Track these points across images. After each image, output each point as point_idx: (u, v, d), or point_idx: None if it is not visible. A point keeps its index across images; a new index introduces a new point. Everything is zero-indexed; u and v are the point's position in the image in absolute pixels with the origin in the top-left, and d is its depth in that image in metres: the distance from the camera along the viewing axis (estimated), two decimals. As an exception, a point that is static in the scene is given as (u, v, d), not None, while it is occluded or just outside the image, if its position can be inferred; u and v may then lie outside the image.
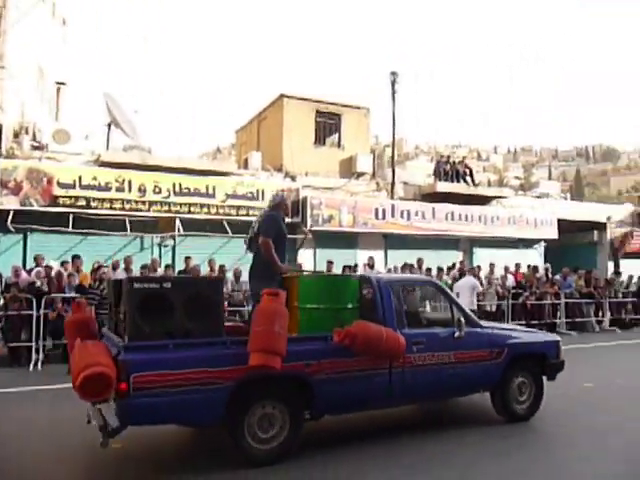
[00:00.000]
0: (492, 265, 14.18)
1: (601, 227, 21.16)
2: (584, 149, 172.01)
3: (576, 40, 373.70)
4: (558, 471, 4.48)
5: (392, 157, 17.72)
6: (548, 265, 16.45)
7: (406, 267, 12.99)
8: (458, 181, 17.69)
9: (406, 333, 5.09)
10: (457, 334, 5.46)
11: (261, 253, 5.36)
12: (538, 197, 20.51)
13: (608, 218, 21.22)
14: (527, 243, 18.32)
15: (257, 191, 14.19)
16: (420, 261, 13.67)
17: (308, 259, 14.56)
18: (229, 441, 4.45)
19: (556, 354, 6.12)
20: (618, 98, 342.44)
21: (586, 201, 36.92)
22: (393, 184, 16.93)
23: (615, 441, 5.20)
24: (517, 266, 15.29)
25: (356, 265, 13.57)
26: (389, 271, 13.47)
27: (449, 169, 17.58)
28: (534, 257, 18.19)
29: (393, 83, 17.13)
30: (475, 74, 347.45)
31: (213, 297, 4.61)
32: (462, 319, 5.56)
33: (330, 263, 12.48)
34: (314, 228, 14.56)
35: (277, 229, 5.47)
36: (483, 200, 18.06)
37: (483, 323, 6.08)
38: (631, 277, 16.91)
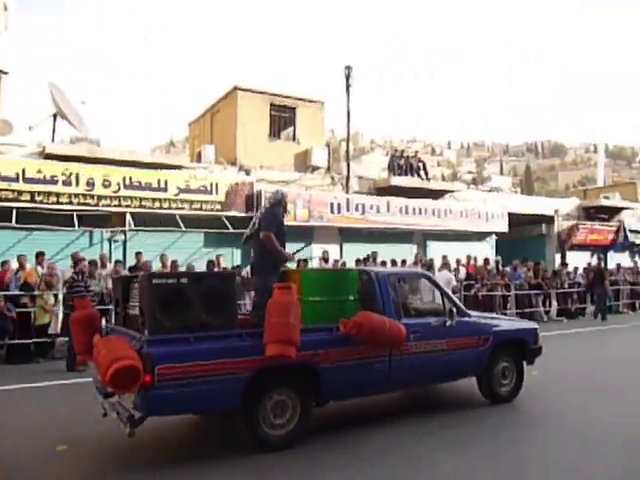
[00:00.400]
0: (445, 258, 14.43)
1: (549, 220, 21.87)
2: (534, 145, 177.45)
3: (534, 37, 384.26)
4: (542, 446, 4.84)
5: (347, 151, 17.76)
6: (499, 257, 16.90)
7: (360, 262, 13.07)
8: (412, 175, 17.91)
9: (404, 323, 5.37)
10: (448, 323, 5.84)
11: (261, 249, 5.62)
12: (489, 191, 21.05)
13: (556, 212, 21.95)
14: (479, 236, 18.75)
15: (211, 185, 13.96)
16: (374, 254, 13.78)
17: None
18: (235, 429, 4.82)
19: (534, 340, 6.59)
20: (565, 96, 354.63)
21: (535, 195, 38.09)
22: (348, 178, 17.00)
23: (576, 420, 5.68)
24: (469, 258, 15.64)
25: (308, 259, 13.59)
26: (343, 264, 13.53)
27: (403, 163, 17.78)
28: (486, 250, 18.63)
29: (347, 77, 17.15)
30: (432, 71, 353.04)
31: (227, 291, 4.84)
32: (453, 309, 5.95)
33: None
34: (269, 222, 14.42)
35: (278, 225, 5.71)
36: (436, 194, 18.36)
37: (470, 312, 6.41)
38: (576, 269, 17.54)
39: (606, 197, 25.41)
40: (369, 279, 5.65)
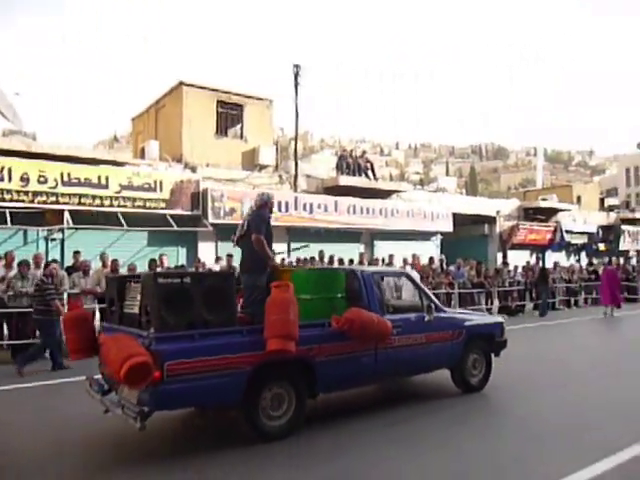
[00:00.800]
0: (391, 257, 14.59)
1: (491, 221, 22.55)
2: (478, 147, 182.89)
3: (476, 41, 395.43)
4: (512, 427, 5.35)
5: (295, 150, 17.69)
6: (443, 256, 17.25)
7: (307, 261, 13.03)
8: (360, 175, 18.03)
9: (387, 318, 5.69)
10: (427, 318, 6.21)
11: (249, 249, 5.81)
12: (435, 192, 21.47)
13: (497, 212, 22.65)
14: (424, 235, 19.09)
15: (154, 182, 13.56)
16: (321, 254, 13.78)
17: (209, 253, 14.18)
18: (231, 421, 5.12)
19: (501, 334, 7.07)
20: (508, 101, 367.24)
21: (479, 196, 39.19)
22: (296, 177, 16.94)
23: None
24: (415, 257, 15.86)
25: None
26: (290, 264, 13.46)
27: (351, 163, 17.87)
28: (431, 249, 18.98)
29: (296, 76, 17.07)
30: (383, 71, 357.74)
31: (227, 290, 5.00)
32: (431, 305, 6.34)
33: (230, 257, 12.22)
34: (215, 221, 14.17)
35: (266, 226, 5.92)
36: (384, 194, 18.57)
37: (445, 308, 6.92)
38: (516, 267, 18.13)
39: (544, 199, 26.46)
40: (355, 278, 5.93)
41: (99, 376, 5.41)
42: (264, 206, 6.07)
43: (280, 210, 15.26)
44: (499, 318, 7.79)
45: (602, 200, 37.47)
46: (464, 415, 5.73)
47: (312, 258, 13.36)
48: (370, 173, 18.38)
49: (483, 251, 21.96)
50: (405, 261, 15.09)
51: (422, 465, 4.31)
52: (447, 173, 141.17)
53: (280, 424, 4.96)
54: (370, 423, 5.42)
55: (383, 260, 14.92)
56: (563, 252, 25.06)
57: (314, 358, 5.17)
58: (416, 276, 11.89)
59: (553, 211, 25.09)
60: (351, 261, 14.32)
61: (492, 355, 6.90)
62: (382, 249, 17.45)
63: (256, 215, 5.96)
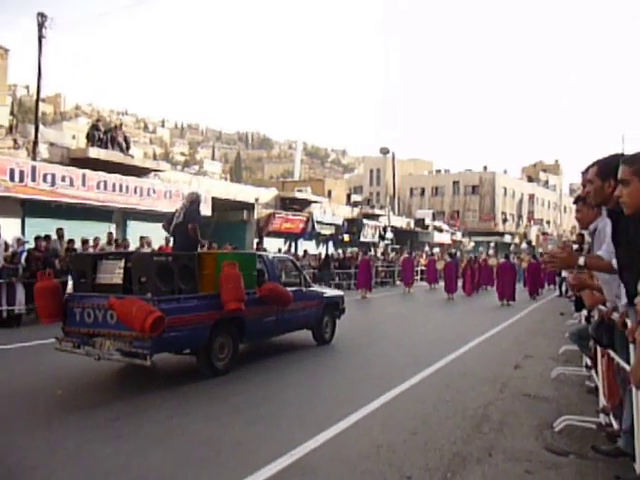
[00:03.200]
0: (143, 239, 13.74)
1: (250, 208, 23.05)
2: (245, 135, 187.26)
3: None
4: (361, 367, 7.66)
5: (36, 112, 15.42)
6: (202, 240, 16.90)
7: (40, 239, 11.39)
8: (114, 149, 16.54)
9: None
10: (304, 290, 8.50)
11: (184, 235, 7.35)
12: (195, 174, 21.00)
13: (256, 200, 23.26)
14: (182, 218, 18.50)
15: None
16: (60, 231, 12.26)
17: None
18: (190, 364, 6.72)
19: (342, 303, 9.58)
20: (273, 91, 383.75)
21: (244, 183, 39.89)
22: (36, 143, 14.76)
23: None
24: (167, 240, 15.18)
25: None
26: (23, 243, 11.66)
27: (104, 135, 16.26)
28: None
29: (41, 26, 14.81)
30: (157, 42, 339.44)
31: (192, 266, 6.59)
32: (306, 281, 8.81)
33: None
34: None
35: (200, 219, 7.72)
36: (140, 172, 17.41)
37: (312, 284, 9.43)
38: (306, 252, 18.91)
39: (300, 190, 28.12)
40: (262, 260, 7.92)
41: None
42: (195, 202, 7.64)
43: (13, 180, 13.18)
44: (340, 292, 10.43)
45: (349, 196, 41.49)
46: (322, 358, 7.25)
47: (47, 237, 11.73)
48: (125, 148, 16.97)
49: (241, 237, 22.34)
50: (144, 242, 14.16)
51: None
52: (213, 157, 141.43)
53: (224, 363, 6.65)
54: (265, 366, 7.43)
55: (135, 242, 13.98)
56: (313, 241, 27.02)
57: (246, 317, 6.92)
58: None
59: (307, 202, 26.83)
60: (95, 240, 13.00)
61: (337, 318, 9.35)
62: (136, 230, 16.39)
63: (193, 210, 7.54)
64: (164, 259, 6.30)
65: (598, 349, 4.96)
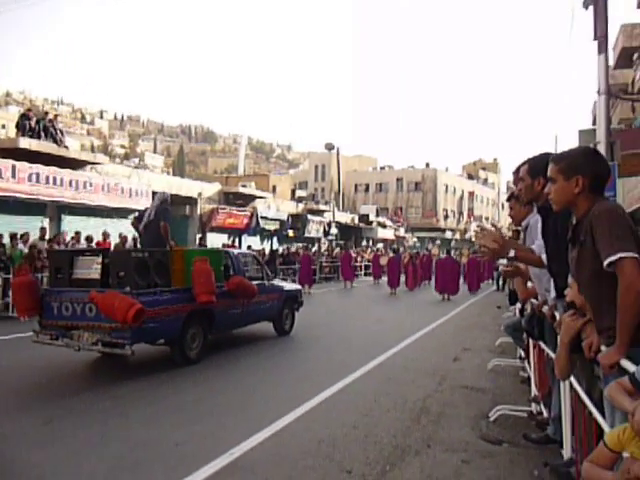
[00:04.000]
0: (78, 234, 13.21)
1: (193, 202, 22.59)
2: (188, 128, 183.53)
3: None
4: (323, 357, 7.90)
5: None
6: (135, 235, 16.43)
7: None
8: (47, 139, 15.75)
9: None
10: (267, 284, 8.96)
11: (155, 233, 7.73)
12: (136, 167, 20.37)
13: (199, 194, 22.82)
14: (121, 213, 17.92)
15: None
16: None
17: None
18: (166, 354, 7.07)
19: (301, 296, 10.17)
20: (216, 84, 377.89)
21: (187, 178, 39.02)
22: (-40, 132, 13.85)
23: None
24: (104, 235, 14.71)
25: None
26: None
27: (36, 124, 15.46)
28: (128, 227, 17.94)
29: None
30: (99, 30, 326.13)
31: (166, 262, 7.00)
32: (268, 275, 9.28)
33: None
34: None
35: (170, 218, 8.11)
36: (75, 164, 16.67)
37: (273, 278, 9.96)
38: (250, 247, 18.63)
39: (244, 185, 27.82)
40: (228, 255, 8.42)
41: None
42: (165, 202, 8.02)
43: None
44: (298, 286, 11.13)
45: (293, 191, 41.50)
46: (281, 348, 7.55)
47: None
48: (59, 139, 16.19)
49: (184, 232, 21.83)
50: (89, 239, 13.73)
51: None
52: (155, 150, 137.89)
53: (195, 353, 7.05)
54: (247, 354, 8.32)
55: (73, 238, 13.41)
56: (258, 236, 26.80)
57: (215, 309, 7.35)
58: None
59: (251, 198, 26.56)
60: (22, 236, 12.40)
61: (295, 310, 9.84)
62: (71, 224, 15.73)
63: (163, 209, 7.91)
64: (141, 255, 6.69)
65: (530, 341, 5.16)
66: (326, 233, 31.46)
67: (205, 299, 6.86)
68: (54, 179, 15.17)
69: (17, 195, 14.14)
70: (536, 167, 3.22)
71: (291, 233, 29.13)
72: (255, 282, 8.36)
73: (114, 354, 6.42)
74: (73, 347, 6.35)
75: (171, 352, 6.95)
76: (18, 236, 12.31)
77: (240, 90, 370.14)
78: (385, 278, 21.98)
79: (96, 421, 4.74)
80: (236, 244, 23.45)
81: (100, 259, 6.80)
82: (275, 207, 28.60)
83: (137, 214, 8.39)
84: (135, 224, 8.24)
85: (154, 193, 18.73)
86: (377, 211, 44.23)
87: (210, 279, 6.96)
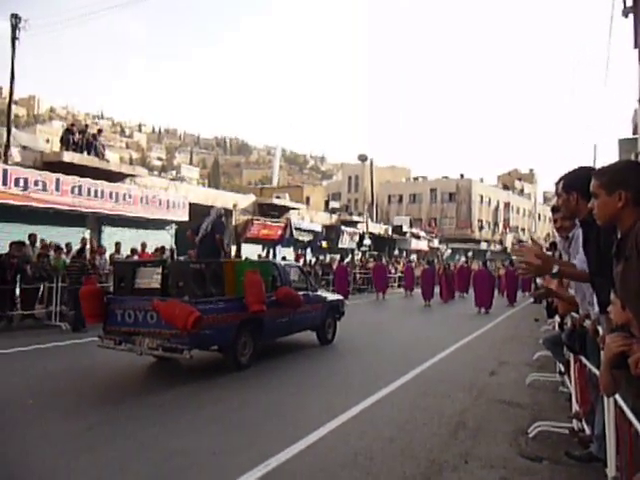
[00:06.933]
0: (118, 244, 13.55)
1: (228, 214, 22.86)
2: (223, 140, 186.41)
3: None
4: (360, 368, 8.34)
5: (8, 115, 15.11)
6: (173, 246, 16.78)
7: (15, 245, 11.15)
8: (89, 153, 16.30)
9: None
10: (311, 294, 9.25)
11: (211, 245, 8.28)
12: (172, 180, 20.80)
13: (234, 206, 23.12)
14: (159, 224, 18.33)
15: None
16: (33, 237, 12.00)
17: None
18: (218, 360, 7.42)
19: (343, 306, 10.39)
20: (252, 98, 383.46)
21: (222, 189, 39.57)
22: (8, 146, 14.46)
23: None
24: (143, 246, 15.04)
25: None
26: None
27: (79, 139, 16.01)
28: (165, 238, 18.33)
29: (14, 27, 14.57)
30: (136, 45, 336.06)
31: (220, 273, 7.34)
32: (312, 285, 9.75)
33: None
34: None
35: (225, 231, 8.82)
36: (116, 177, 17.17)
37: (318, 288, 10.45)
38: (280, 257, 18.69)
39: (278, 197, 28.10)
40: (276, 267, 8.78)
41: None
42: (220, 216, 8.70)
43: (-18, 184, 12.85)
44: (340, 296, 11.13)
45: (327, 202, 41.57)
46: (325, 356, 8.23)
47: (21, 243, 11.48)
48: (101, 152, 16.73)
49: (219, 243, 22.12)
50: (133, 251, 14.15)
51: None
52: (191, 162, 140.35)
53: (246, 359, 7.36)
54: (286, 363, 8.33)
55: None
56: (291, 247, 26.94)
57: (264, 318, 7.63)
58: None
59: (285, 209, 26.77)
60: (67, 245, 12.77)
61: (337, 320, 10.08)
62: (111, 235, 16.16)
63: (220, 223, 8.63)
64: (198, 266, 7.11)
65: (571, 356, 5.04)
66: (359, 244, 31.40)
67: (257, 308, 7.19)
68: (95, 191, 15.66)
69: (60, 207, 14.63)
70: (570, 182, 3.17)
71: (325, 244, 29.18)
72: (300, 292, 8.63)
73: (170, 358, 7.00)
74: (136, 352, 6.75)
75: (224, 358, 7.28)
76: (63, 246, 12.68)
77: (274, 102, 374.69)
78: (417, 290, 21.75)
79: (135, 429, 4.81)
80: (270, 255, 23.64)
81: (160, 269, 7.18)
82: (309, 218, 28.73)
83: (193, 227, 8.76)
84: (191, 236, 8.70)
85: (191, 205, 19.16)
86: (410, 222, 43.94)
87: (261, 289, 7.30)
